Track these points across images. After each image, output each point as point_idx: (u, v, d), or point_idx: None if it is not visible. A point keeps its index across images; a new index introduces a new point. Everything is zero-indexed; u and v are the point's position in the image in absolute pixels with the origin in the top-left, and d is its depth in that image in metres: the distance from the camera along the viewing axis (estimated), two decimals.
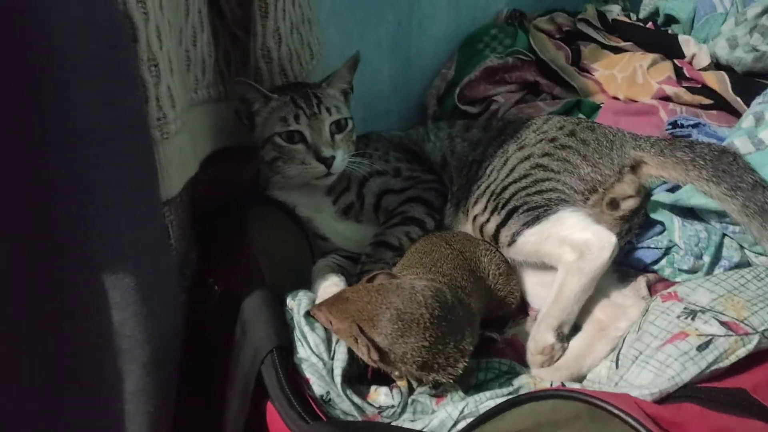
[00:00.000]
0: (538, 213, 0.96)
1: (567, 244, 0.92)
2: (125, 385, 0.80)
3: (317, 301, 0.88)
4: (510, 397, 0.74)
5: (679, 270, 0.97)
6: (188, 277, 1.01)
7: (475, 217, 1.03)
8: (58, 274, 0.73)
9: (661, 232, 1.00)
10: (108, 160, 0.73)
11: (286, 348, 0.83)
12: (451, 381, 0.77)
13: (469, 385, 0.83)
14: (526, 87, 1.39)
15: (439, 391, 0.80)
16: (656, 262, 1.00)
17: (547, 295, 0.97)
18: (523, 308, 1.03)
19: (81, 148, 0.71)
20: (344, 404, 0.80)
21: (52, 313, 0.74)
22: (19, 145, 0.68)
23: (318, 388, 0.80)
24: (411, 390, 0.84)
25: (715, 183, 0.89)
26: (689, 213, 0.99)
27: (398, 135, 1.21)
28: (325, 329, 0.86)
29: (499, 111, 1.34)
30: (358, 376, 0.87)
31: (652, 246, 0.99)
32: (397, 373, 0.81)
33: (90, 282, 0.75)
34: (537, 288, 1.01)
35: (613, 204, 0.97)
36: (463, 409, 0.77)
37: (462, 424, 0.76)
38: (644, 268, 1.00)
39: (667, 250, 0.99)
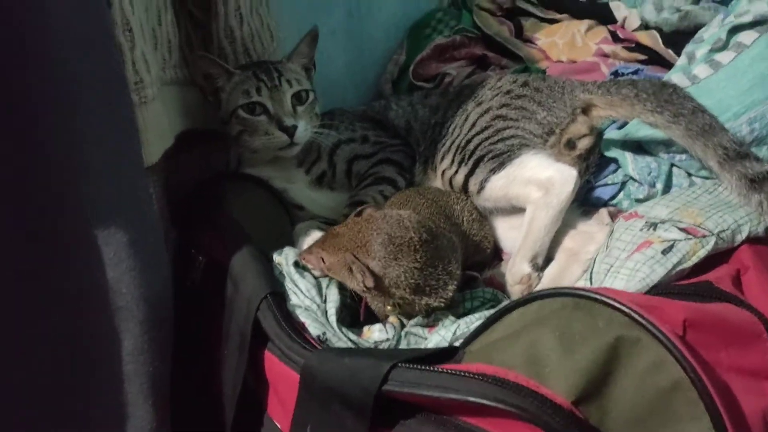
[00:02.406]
0: (502, 159, 1.02)
1: (532, 184, 0.99)
2: (123, 344, 0.81)
3: None
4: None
5: (636, 200, 1.04)
6: (170, 254, 1.03)
7: (443, 172, 1.09)
8: (51, 233, 0.74)
9: (615, 170, 1.08)
10: (92, 114, 0.75)
11: (279, 294, 0.85)
12: (442, 305, 0.81)
13: (457, 315, 0.88)
14: (475, 61, 1.47)
15: (431, 319, 0.84)
16: (614, 197, 1.07)
17: (518, 237, 1.03)
18: (496, 255, 1.09)
19: (66, 101, 0.72)
20: (340, 343, 0.83)
21: (48, 270, 0.74)
22: (3, 102, 0.70)
23: (314, 329, 0.83)
24: (402, 325, 0.88)
25: (659, 113, 0.97)
26: (638, 149, 1.06)
27: (361, 108, 1.27)
28: (314, 277, 0.89)
29: (453, 83, 1.41)
30: (350, 322, 0.90)
31: (609, 182, 1.07)
32: (389, 306, 0.84)
33: (83, 240, 0.76)
34: (508, 232, 1.07)
35: (570, 144, 1.04)
36: (456, 330, 0.82)
37: (457, 344, 0.80)
38: (604, 205, 1.07)
39: (623, 185, 1.06)
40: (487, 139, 1.05)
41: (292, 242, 1.03)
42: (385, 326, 0.86)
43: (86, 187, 0.74)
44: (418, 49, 1.54)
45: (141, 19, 0.87)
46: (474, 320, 0.82)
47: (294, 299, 0.87)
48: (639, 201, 1.04)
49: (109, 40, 0.77)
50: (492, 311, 0.85)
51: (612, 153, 1.07)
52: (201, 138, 1.18)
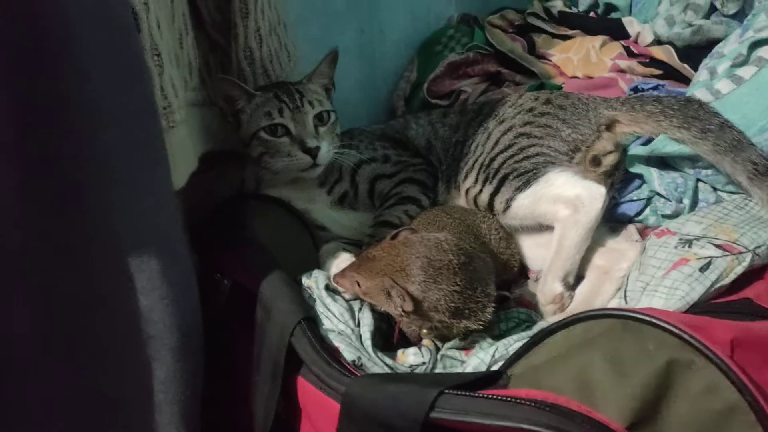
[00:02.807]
0: (528, 177, 1.02)
1: (560, 202, 0.98)
2: (156, 373, 0.79)
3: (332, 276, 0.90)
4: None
5: (662, 216, 1.03)
6: None
7: (467, 190, 1.08)
8: (87, 261, 0.72)
9: (639, 186, 1.07)
10: (127, 146, 0.74)
11: (312, 319, 0.84)
12: (481, 327, 0.80)
13: (493, 336, 0.86)
14: (489, 78, 1.47)
15: (467, 342, 0.83)
16: (639, 213, 1.06)
17: (545, 255, 1.02)
18: (522, 272, 1.08)
19: (101, 134, 0.71)
20: (376, 368, 0.81)
21: (81, 302, 0.73)
22: (42, 135, 0.69)
23: (348, 354, 0.81)
24: (437, 348, 0.87)
25: (686, 128, 0.97)
26: (663, 164, 1.06)
27: (379, 127, 1.26)
28: (346, 300, 0.88)
29: (469, 99, 1.40)
30: (383, 346, 0.89)
31: (635, 198, 1.06)
32: (425, 330, 0.83)
33: (117, 268, 0.74)
34: (535, 249, 1.06)
35: (596, 161, 1.03)
36: (494, 353, 0.80)
37: (496, 367, 0.79)
38: (629, 221, 1.06)
39: (648, 201, 1.06)
40: (511, 157, 1.05)
41: (317, 264, 1.02)
42: (420, 349, 0.84)
43: (120, 218, 0.73)
44: (429, 65, 1.54)
45: (168, 42, 0.86)
46: (512, 342, 0.81)
47: (327, 324, 0.85)
48: (666, 217, 1.03)
49: (142, 67, 0.76)
50: (529, 332, 0.85)
51: (637, 169, 1.06)
52: (215, 158, 1.17)
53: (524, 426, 0.62)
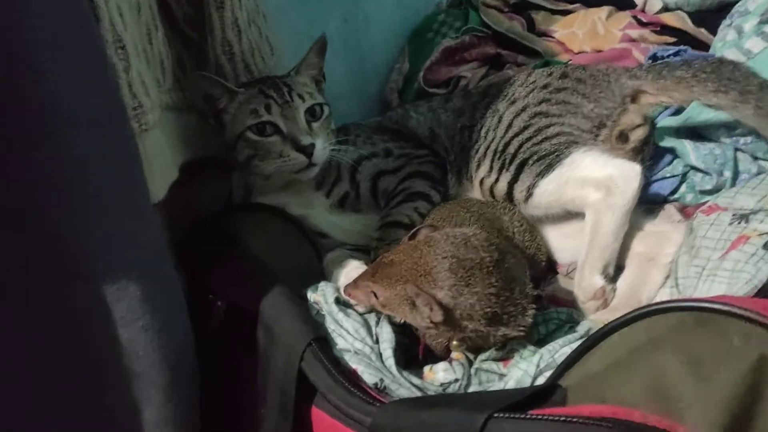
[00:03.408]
0: (549, 160, 0.91)
1: (589, 185, 0.87)
2: (144, 416, 0.67)
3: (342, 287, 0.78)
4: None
5: (701, 192, 0.93)
6: None
7: (482, 181, 0.97)
8: (56, 289, 0.61)
9: (671, 161, 0.97)
10: (94, 153, 0.62)
11: (324, 339, 0.72)
12: (522, 333, 0.69)
13: (532, 342, 0.75)
14: (489, 61, 1.36)
15: (505, 351, 0.72)
16: (674, 191, 0.96)
17: (574, 246, 0.92)
18: (551, 267, 0.97)
19: (62, 140, 0.60)
20: (402, 390, 0.70)
21: (53, 337, 0.61)
22: None
23: (369, 377, 0.70)
24: (470, 362, 0.75)
25: (723, 93, 0.86)
26: (696, 135, 0.96)
27: (376, 120, 1.15)
28: (360, 314, 0.77)
29: (469, 85, 1.30)
30: (405, 364, 0.77)
31: (668, 175, 0.96)
32: (455, 342, 0.72)
33: (91, 296, 0.62)
34: (562, 241, 0.95)
35: (623, 137, 0.93)
36: (539, 362, 0.69)
37: (542, 379, 0.68)
38: (664, 201, 0.96)
39: (683, 177, 0.96)
40: (529, 139, 0.94)
41: (322, 276, 0.90)
42: (450, 364, 0.73)
43: (91, 238, 0.61)
44: (422, 54, 1.42)
45: (134, 35, 0.75)
46: (558, 348, 0.70)
47: (341, 343, 0.74)
48: (705, 193, 0.93)
49: (104, 61, 0.64)
50: (575, 335, 0.73)
51: (668, 143, 0.96)
52: (198, 167, 1.05)
53: None
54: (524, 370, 0.69)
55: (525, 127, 0.95)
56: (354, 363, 0.71)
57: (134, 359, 0.66)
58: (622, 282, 0.85)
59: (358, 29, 1.42)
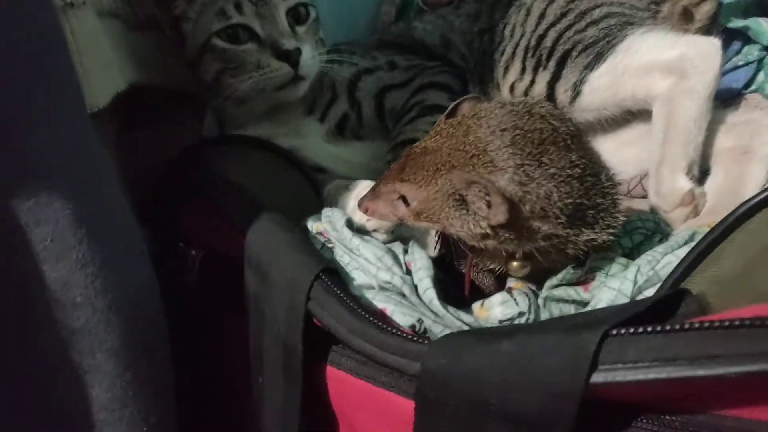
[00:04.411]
0: (599, 48, 0.72)
1: (655, 70, 0.69)
2: (93, 392, 0.47)
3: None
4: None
5: None
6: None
7: (512, 85, 0.78)
8: None
9: (741, 48, 0.79)
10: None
11: (335, 272, 0.52)
12: (612, 239, 0.49)
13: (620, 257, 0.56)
14: None
15: (584, 271, 0.52)
16: (749, 83, 0.78)
17: (637, 155, 0.74)
18: None
19: None
20: (448, 331, 0.50)
21: None
22: None
23: (402, 317, 0.50)
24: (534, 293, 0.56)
25: None
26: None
27: (374, 37, 0.96)
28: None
29: None
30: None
31: (741, 63, 0.78)
32: (515, 264, 0.52)
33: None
34: (623, 151, 0.76)
35: (687, 14, 0.74)
36: (635, 277, 0.50)
37: (644, 295, 0.49)
38: (738, 95, 0.78)
39: (759, 63, 0.77)
40: (569, 27, 0.75)
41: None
42: (512, 295, 0.53)
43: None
44: None
45: None
46: (659, 257, 0.51)
47: (359, 278, 0.54)
48: None
49: None
50: (673, 243, 0.54)
51: (737, 23, 0.78)
52: (162, 107, 0.85)
53: None
54: (617, 288, 0.50)
55: (564, 14, 0.77)
56: (380, 302, 0.52)
57: (70, 309, 0.46)
58: (713, 184, 0.66)
59: None
